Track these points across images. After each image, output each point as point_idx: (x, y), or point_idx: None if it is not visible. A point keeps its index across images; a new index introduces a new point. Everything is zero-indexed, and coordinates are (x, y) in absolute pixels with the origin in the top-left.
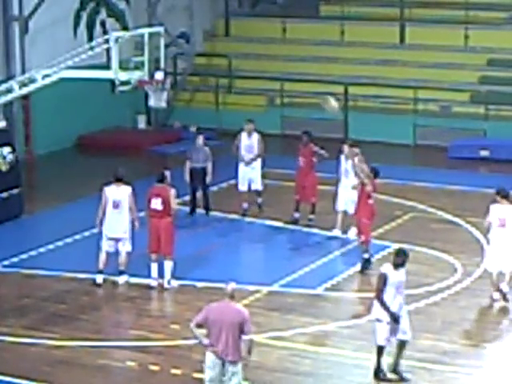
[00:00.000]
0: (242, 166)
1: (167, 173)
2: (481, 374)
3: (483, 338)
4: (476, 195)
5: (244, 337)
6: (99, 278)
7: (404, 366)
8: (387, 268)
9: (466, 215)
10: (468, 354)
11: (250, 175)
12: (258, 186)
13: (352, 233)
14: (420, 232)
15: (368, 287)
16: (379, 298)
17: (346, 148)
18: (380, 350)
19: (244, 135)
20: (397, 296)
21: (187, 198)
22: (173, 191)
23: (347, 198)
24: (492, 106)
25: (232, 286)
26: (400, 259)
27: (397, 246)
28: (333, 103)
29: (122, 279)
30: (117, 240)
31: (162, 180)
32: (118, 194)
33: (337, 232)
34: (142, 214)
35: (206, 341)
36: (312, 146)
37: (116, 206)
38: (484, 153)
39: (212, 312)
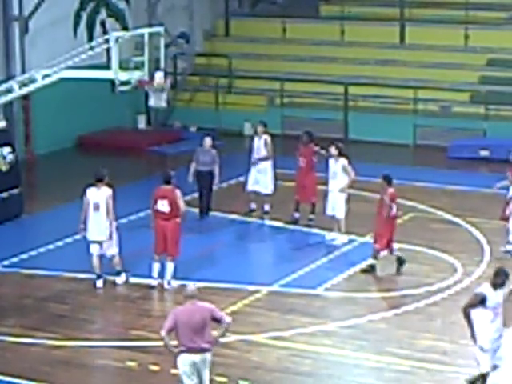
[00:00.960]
0: (252, 168)
1: (172, 174)
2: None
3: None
4: (476, 195)
5: (222, 324)
6: (99, 283)
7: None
8: (486, 288)
9: (466, 215)
10: (468, 354)
11: (258, 178)
12: (266, 189)
13: (331, 235)
14: (420, 232)
15: (368, 287)
16: (467, 313)
17: (333, 149)
18: (485, 378)
19: (256, 138)
20: (496, 319)
21: (187, 198)
22: (178, 192)
23: (334, 202)
24: (492, 106)
25: (192, 286)
26: (500, 279)
27: (397, 245)
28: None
29: (120, 279)
30: (100, 243)
31: (168, 181)
32: (98, 196)
33: (334, 235)
34: (141, 214)
35: (175, 349)
36: (312, 145)
37: (96, 208)
38: (484, 153)
39: (181, 315)
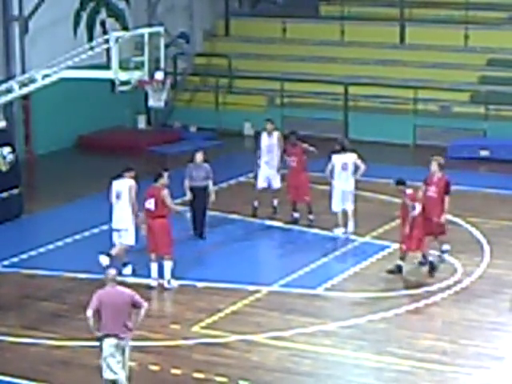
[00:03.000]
0: (263, 165)
1: (165, 173)
2: (481, 373)
3: (483, 338)
4: (476, 195)
5: (140, 310)
6: (126, 270)
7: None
8: None
9: (466, 215)
10: (468, 354)
11: (269, 173)
12: (276, 184)
13: (339, 230)
14: None
15: (368, 287)
16: None
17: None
18: None
19: (264, 135)
20: None
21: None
22: (165, 191)
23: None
24: (492, 106)
25: (113, 271)
26: None
27: (397, 245)
28: None
29: (127, 270)
30: (118, 231)
31: (156, 179)
32: (120, 185)
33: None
34: (141, 214)
35: (98, 332)
36: (301, 144)
37: (117, 196)
38: (484, 153)
39: (104, 297)
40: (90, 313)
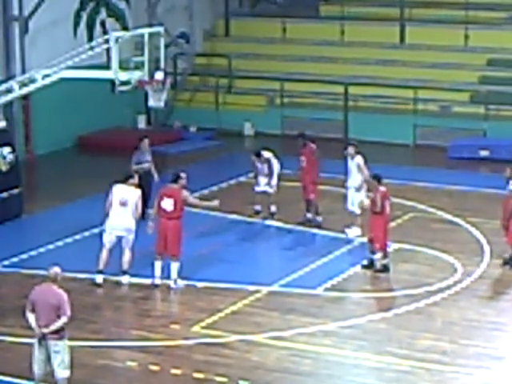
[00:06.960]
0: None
1: (183, 174)
2: (481, 374)
3: (483, 338)
4: (476, 195)
5: (61, 318)
6: (99, 278)
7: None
8: None
9: (466, 215)
10: (468, 354)
11: (265, 181)
12: (270, 190)
13: (352, 232)
14: (420, 232)
15: (368, 287)
16: None
17: (350, 149)
18: None
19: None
20: None
21: (195, 194)
22: (185, 192)
23: (352, 198)
24: (492, 106)
25: (55, 269)
26: None
27: (397, 245)
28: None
29: (125, 279)
30: (120, 238)
31: (175, 180)
32: (127, 193)
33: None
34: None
35: (37, 329)
36: (311, 145)
37: (123, 204)
38: (484, 153)
39: (35, 293)
40: (27, 311)
